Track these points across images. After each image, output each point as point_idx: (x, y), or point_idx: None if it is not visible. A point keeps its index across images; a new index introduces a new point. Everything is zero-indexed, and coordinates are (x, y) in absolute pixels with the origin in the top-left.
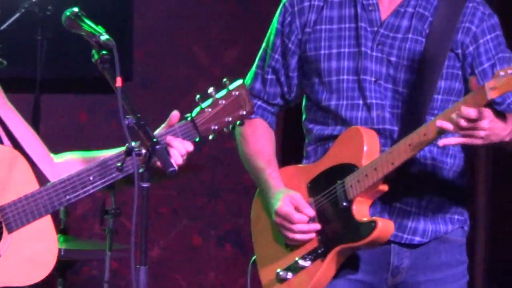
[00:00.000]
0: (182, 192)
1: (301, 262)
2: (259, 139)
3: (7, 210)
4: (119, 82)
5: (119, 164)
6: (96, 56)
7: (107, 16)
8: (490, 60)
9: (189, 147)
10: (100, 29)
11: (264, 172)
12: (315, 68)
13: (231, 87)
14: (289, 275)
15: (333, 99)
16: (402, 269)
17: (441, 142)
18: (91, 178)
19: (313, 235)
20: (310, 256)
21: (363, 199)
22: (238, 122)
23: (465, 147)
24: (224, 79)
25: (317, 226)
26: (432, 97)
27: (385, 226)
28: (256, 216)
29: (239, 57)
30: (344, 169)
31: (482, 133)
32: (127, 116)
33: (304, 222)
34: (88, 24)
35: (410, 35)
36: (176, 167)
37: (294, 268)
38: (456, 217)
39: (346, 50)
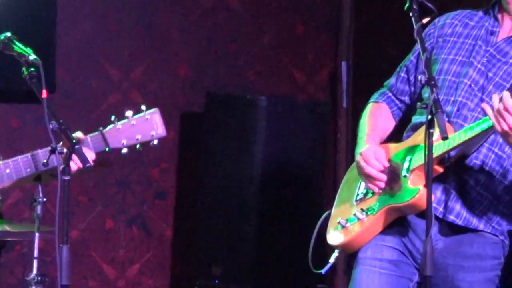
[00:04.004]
0: (97, 184)
1: (358, 214)
2: (376, 116)
3: None
4: (44, 94)
5: (44, 160)
6: (25, 72)
7: (34, 39)
8: None
9: (92, 155)
10: (28, 50)
11: (365, 134)
12: (431, 69)
13: (145, 111)
14: (347, 224)
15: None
16: (435, 249)
17: (484, 104)
18: (22, 166)
19: (381, 184)
20: (366, 211)
21: (421, 173)
22: (152, 142)
23: None
24: (142, 106)
25: (384, 177)
26: None
27: (422, 196)
28: (347, 179)
29: (144, 73)
30: (417, 148)
31: (506, 124)
32: (51, 122)
33: (376, 169)
34: (19, 46)
35: (511, 61)
36: (92, 163)
37: (352, 219)
38: (493, 224)
39: (459, 58)
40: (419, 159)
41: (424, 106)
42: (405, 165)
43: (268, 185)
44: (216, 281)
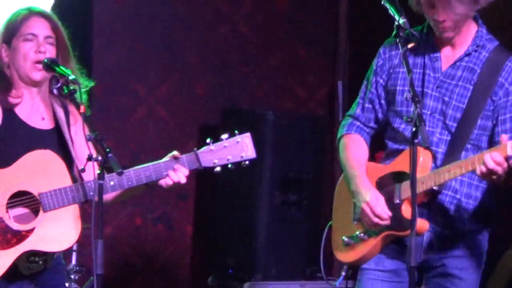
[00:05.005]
0: None
1: (361, 235)
2: (356, 151)
3: (44, 195)
4: (82, 109)
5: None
6: (66, 91)
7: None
8: (511, 113)
9: (185, 172)
10: (68, 71)
11: (356, 171)
12: (391, 99)
13: (237, 135)
14: (352, 243)
15: (402, 123)
16: (431, 247)
17: (479, 170)
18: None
19: (385, 223)
20: (368, 233)
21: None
22: (243, 162)
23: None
24: (236, 131)
25: (386, 223)
26: (472, 131)
27: (421, 225)
28: (339, 193)
29: (168, 91)
30: (403, 175)
31: (498, 174)
32: (88, 133)
33: (383, 219)
34: (60, 68)
35: (461, 83)
36: (122, 170)
37: (356, 238)
38: (480, 223)
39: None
40: (409, 187)
41: (409, 120)
42: (396, 192)
43: (275, 187)
44: (230, 271)
